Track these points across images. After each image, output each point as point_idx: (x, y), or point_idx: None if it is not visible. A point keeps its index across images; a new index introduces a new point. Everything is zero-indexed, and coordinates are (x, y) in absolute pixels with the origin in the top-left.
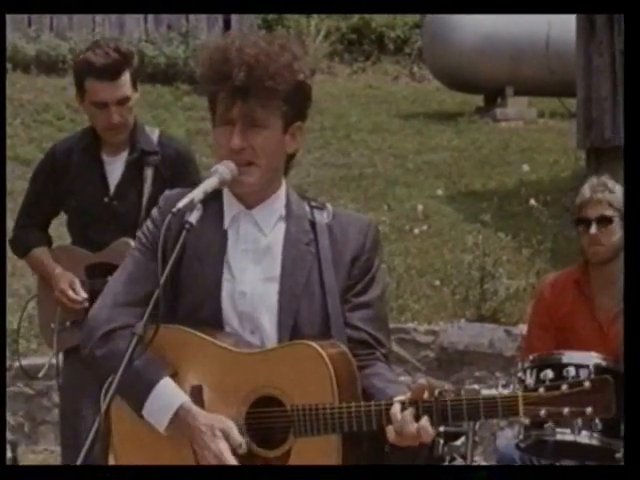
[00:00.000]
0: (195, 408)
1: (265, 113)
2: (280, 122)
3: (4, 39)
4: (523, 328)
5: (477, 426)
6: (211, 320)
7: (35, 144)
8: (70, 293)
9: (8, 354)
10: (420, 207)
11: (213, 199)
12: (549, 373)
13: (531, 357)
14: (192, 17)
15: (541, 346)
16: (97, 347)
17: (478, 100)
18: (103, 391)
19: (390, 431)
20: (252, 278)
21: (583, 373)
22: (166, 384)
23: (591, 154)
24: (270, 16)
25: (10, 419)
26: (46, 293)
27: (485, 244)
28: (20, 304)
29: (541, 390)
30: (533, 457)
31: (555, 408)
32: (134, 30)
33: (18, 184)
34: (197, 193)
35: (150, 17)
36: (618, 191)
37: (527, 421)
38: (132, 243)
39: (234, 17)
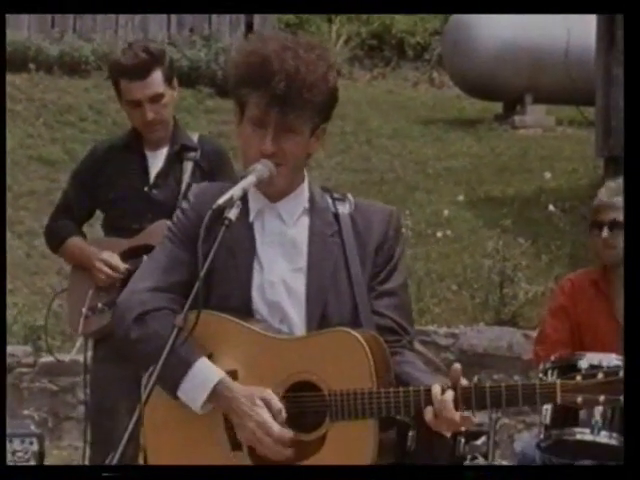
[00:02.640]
0: (232, 382)
1: (298, 120)
2: (309, 127)
3: (4, 39)
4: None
5: (497, 426)
6: (241, 309)
7: (58, 145)
8: (112, 261)
9: (31, 350)
10: (446, 212)
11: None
12: (584, 363)
13: (552, 358)
14: (214, 20)
15: (555, 336)
16: (131, 330)
17: (497, 107)
18: (144, 381)
19: (428, 412)
20: (280, 269)
21: (584, 365)
22: (203, 362)
23: (609, 163)
24: (291, 21)
25: (35, 415)
26: (79, 280)
27: (505, 249)
28: (45, 302)
29: (578, 378)
30: (553, 457)
31: (591, 395)
32: (157, 33)
33: (41, 184)
34: (236, 190)
35: (173, 20)
36: None
37: (548, 421)
38: (169, 224)
39: (256, 21)
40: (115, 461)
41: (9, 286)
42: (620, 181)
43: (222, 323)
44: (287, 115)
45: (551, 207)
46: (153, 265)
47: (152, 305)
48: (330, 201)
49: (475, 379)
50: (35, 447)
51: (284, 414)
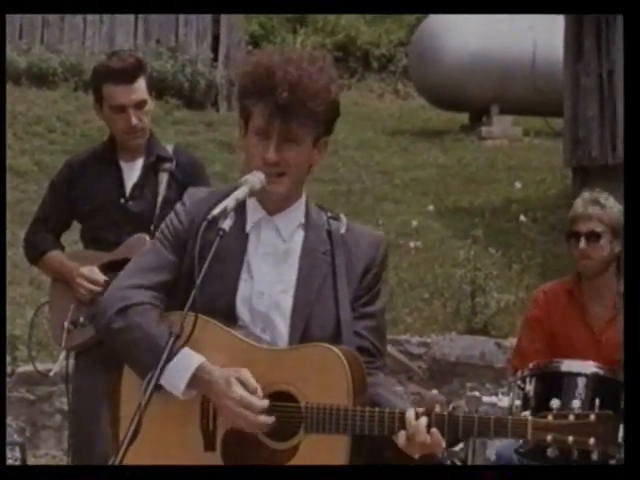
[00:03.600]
0: (211, 366)
1: (300, 130)
2: (312, 138)
3: (4, 39)
4: (513, 341)
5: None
6: (223, 315)
7: (27, 156)
8: (91, 275)
9: (8, 360)
10: (415, 222)
11: (237, 206)
12: (556, 402)
13: (530, 365)
14: (181, 32)
15: (531, 347)
16: (113, 321)
17: (463, 118)
18: (143, 385)
19: (401, 436)
20: (270, 280)
21: (581, 382)
22: (185, 350)
23: (578, 172)
24: (257, 32)
25: (12, 423)
26: (60, 293)
27: (476, 259)
28: (19, 312)
29: (550, 417)
30: (532, 462)
31: (561, 436)
32: (124, 44)
33: (11, 195)
34: (229, 201)
35: (140, 31)
36: (610, 207)
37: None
38: (147, 238)
39: (223, 32)
40: (117, 461)
41: None
42: (595, 193)
43: (208, 327)
44: (290, 125)
45: (522, 217)
46: (139, 264)
47: (134, 300)
48: (325, 219)
49: (450, 407)
50: (17, 455)
51: (260, 393)
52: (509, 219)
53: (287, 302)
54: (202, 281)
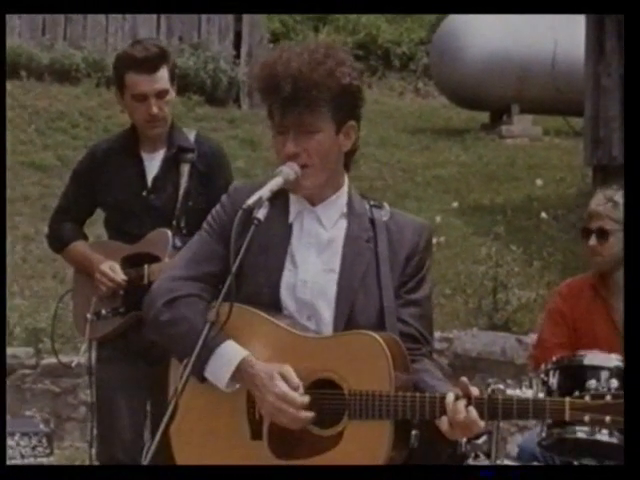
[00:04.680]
0: (255, 360)
1: (314, 119)
2: (332, 124)
3: (4, 39)
4: (534, 337)
5: (500, 424)
6: (269, 304)
7: (50, 151)
8: (110, 273)
9: (33, 352)
10: (438, 219)
11: (281, 196)
12: (593, 383)
13: (554, 359)
14: (204, 29)
15: (553, 340)
16: (161, 313)
17: (484, 117)
18: (180, 370)
19: (443, 422)
20: (314, 268)
21: (604, 375)
22: (228, 344)
23: (598, 172)
24: (278, 30)
25: (37, 415)
26: (83, 284)
27: (498, 256)
28: (44, 305)
29: (587, 398)
30: (555, 455)
31: (598, 415)
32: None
33: (34, 190)
34: (265, 192)
35: (162, 28)
36: (623, 204)
37: (550, 420)
38: (169, 233)
39: (245, 29)
40: (153, 449)
41: (9, 290)
42: (610, 190)
43: (250, 316)
44: (301, 116)
45: (543, 214)
46: (188, 255)
47: (182, 291)
48: (368, 207)
49: (489, 390)
50: (45, 444)
51: (302, 389)
52: (529, 217)
53: (331, 290)
54: (247, 271)
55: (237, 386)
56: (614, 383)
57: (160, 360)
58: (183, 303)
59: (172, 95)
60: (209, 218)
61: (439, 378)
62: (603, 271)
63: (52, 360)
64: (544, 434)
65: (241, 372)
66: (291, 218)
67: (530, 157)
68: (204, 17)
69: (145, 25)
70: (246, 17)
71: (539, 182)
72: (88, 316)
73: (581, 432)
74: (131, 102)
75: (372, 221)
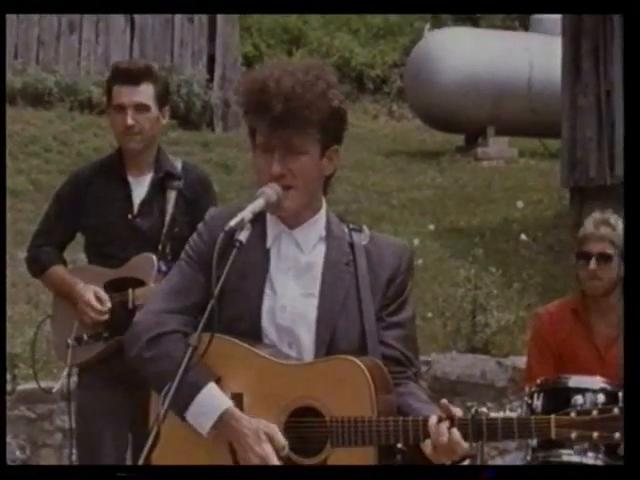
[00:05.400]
0: (239, 413)
1: (302, 140)
2: (317, 147)
3: (4, 39)
4: (514, 360)
5: (484, 448)
6: (250, 332)
7: (23, 175)
8: (95, 303)
9: (8, 378)
10: (415, 241)
11: (257, 219)
12: (579, 399)
13: (538, 381)
14: (176, 52)
15: (540, 370)
16: (145, 349)
17: (458, 139)
18: (161, 397)
19: (427, 445)
20: (293, 294)
21: (589, 398)
22: (211, 388)
23: (575, 193)
24: (251, 53)
25: (12, 441)
26: (63, 309)
27: (476, 278)
28: (16, 330)
29: (573, 414)
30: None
31: (585, 431)
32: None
33: (8, 215)
34: (246, 213)
35: (135, 51)
36: (620, 228)
37: (535, 443)
38: (154, 257)
39: (218, 53)
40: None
41: None
42: (606, 213)
43: (231, 347)
44: (290, 136)
45: (523, 236)
46: (168, 287)
47: (166, 327)
48: (347, 230)
49: (473, 411)
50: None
51: (287, 449)
52: (507, 239)
53: (311, 315)
54: (227, 298)
55: (217, 432)
56: (601, 398)
57: (142, 386)
58: (167, 340)
59: (157, 115)
60: (187, 247)
61: (424, 400)
62: (599, 295)
63: (28, 386)
64: (529, 457)
65: (224, 423)
66: (269, 243)
67: (506, 179)
68: (177, 40)
69: (117, 48)
70: (219, 40)
71: (520, 204)
72: (69, 341)
73: (566, 455)
74: (112, 114)
75: (351, 245)
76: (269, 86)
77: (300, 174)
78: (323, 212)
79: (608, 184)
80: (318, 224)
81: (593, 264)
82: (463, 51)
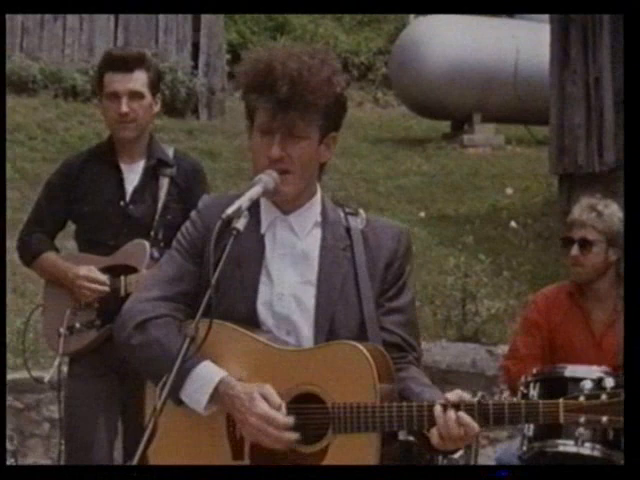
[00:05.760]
0: (233, 381)
1: (304, 125)
2: (318, 133)
3: (4, 39)
4: (504, 348)
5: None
6: (246, 321)
7: (9, 163)
8: (91, 274)
9: None
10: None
11: (252, 206)
12: (587, 383)
13: (534, 371)
14: (161, 40)
15: (525, 351)
16: (132, 336)
17: (444, 126)
18: (158, 388)
19: (434, 435)
20: (290, 281)
21: (587, 386)
22: (206, 365)
23: (564, 180)
24: (236, 41)
25: None
26: (55, 298)
27: (466, 266)
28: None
29: (581, 398)
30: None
31: (594, 416)
32: (103, 52)
33: None
34: (244, 201)
35: (120, 39)
36: (608, 214)
37: (530, 432)
38: (147, 244)
39: (203, 40)
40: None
41: None
42: (594, 199)
43: (228, 332)
44: (292, 119)
45: (513, 224)
46: (159, 275)
47: (154, 313)
48: (342, 215)
49: (479, 395)
50: (13, 462)
51: (284, 409)
52: (495, 226)
53: (310, 303)
54: (222, 287)
55: (215, 408)
56: (610, 382)
57: (133, 375)
58: (154, 325)
59: (151, 102)
60: (179, 236)
61: (425, 384)
62: (582, 281)
63: (15, 376)
64: (525, 448)
65: (220, 394)
66: (263, 229)
67: (493, 166)
68: (161, 28)
69: (102, 36)
70: (204, 28)
71: (509, 190)
72: (61, 330)
73: (563, 445)
74: (105, 102)
75: (348, 229)
76: (275, 67)
77: (299, 159)
78: (318, 197)
79: (597, 171)
80: (313, 209)
81: (575, 250)
82: (449, 38)
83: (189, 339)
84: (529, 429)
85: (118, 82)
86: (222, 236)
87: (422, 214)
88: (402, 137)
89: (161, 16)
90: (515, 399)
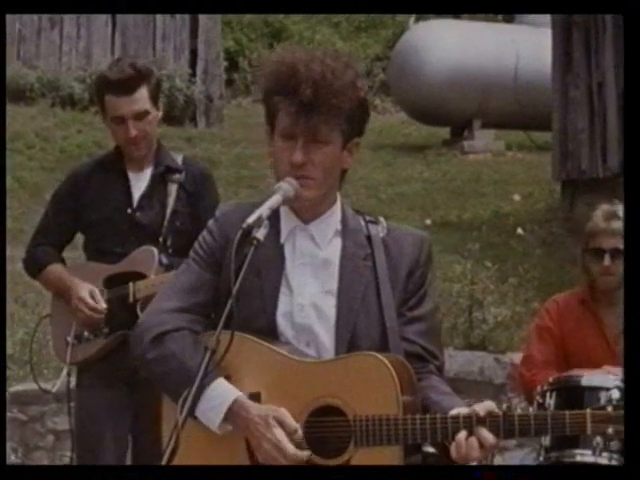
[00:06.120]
0: (248, 402)
1: (328, 130)
2: (341, 138)
3: (4, 39)
4: (512, 356)
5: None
6: (265, 332)
7: (7, 173)
8: (90, 300)
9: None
10: None
11: (271, 214)
12: (615, 393)
13: (550, 380)
14: (158, 47)
15: (540, 358)
16: (148, 350)
17: (444, 133)
18: (179, 403)
19: (454, 452)
20: (311, 291)
21: (604, 396)
22: (219, 383)
23: (567, 186)
24: (232, 48)
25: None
26: (62, 308)
27: (472, 273)
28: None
29: (609, 409)
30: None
31: (622, 426)
32: (101, 60)
33: None
34: (264, 210)
35: (117, 46)
36: None
37: (547, 442)
38: (155, 250)
39: (200, 48)
40: None
41: None
42: (615, 206)
43: (247, 344)
44: (316, 124)
45: (519, 230)
46: (176, 285)
47: (171, 325)
48: (363, 223)
49: (504, 407)
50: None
51: (300, 433)
52: (499, 233)
53: (330, 313)
54: (241, 297)
55: (230, 427)
56: (615, 395)
57: (143, 385)
58: (171, 338)
59: (156, 114)
60: (196, 245)
61: (444, 392)
62: (612, 289)
63: (19, 387)
64: (542, 458)
65: (234, 414)
66: (282, 238)
67: (495, 172)
68: (159, 35)
69: (99, 44)
70: (201, 35)
71: (517, 197)
72: (69, 339)
73: (580, 455)
74: (111, 124)
75: (368, 238)
76: (298, 70)
77: (321, 165)
78: (338, 205)
79: (600, 176)
80: (334, 217)
81: (607, 260)
82: (449, 43)
83: (210, 352)
84: (546, 438)
85: (121, 106)
86: (241, 245)
87: (428, 221)
88: (402, 144)
89: (159, 23)
90: (534, 410)
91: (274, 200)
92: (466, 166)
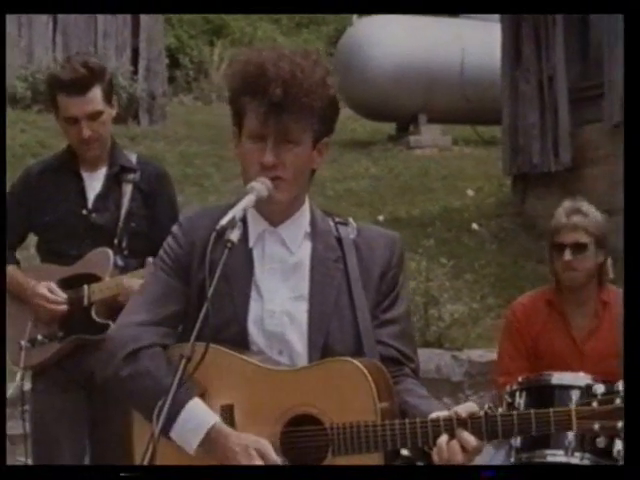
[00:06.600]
0: (227, 429)
1: (298, 129)
2: (311, 138)
3: (4, 39)
4: (469, 353)
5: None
6: (237, 340)
7: None
8: (49, 295)
9: None
10: None
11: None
12: (600, 388)
13: (520, 379)
14: (100, 45)
15: (512, 364)
16: (121, 368)
17: (389, 128)
18: (154, 415)
19: (436, 455)
20: (281, 297)
21: (575, 394)
22: (196, 404)
23: (518, 180)
24: (173, 45)
25: None
26: (16, 310)
27: (428, 270)
28: None
29: (594, 404)
30: None
31: (609, 422)
32: (42, 57)
33: None
34: (237, 211)
35: (59, 45)
36: (592, 215)
37: (518, 443)
38: (110, 252)
39: (142, 45)
40: None
41: None
42: (578, 201)
43: (218, 355)
44: (286, 124)
45: (475, 225)
46: (145, 297)
47: (144, 342)
48: (333, 225)
49: (485, 407)
50: None
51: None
52: (450, 228)
53: (302, 318)
54: (211, 303)
55: (204, 451)
56: (600, 389)
57: (101, 390)
58: (145, 355)
59: (109, 113)
60: (161, 253)
61: (422, 395)
62: (576, 286)
63: None
64: (512, 459)
65: (211, 441)
66: (251, 242)
67: (443, 167)
68: (100, 33)
69: (41, 42)
70: (143, 33)
71: (470, 192)
72: (22, 343)
73: (552, 456)
74: (63, 124)
75: (339, 240)
76: (267, 69)
77: (292, 165)
78: (307, 206)
79: (552, 171)
80: (303, 219)
81: (568, 255)
82: (393, 38)
83: (185, 360)
84: (516, 439)
85: (74, 106)
86: (214, 248)
87: (380, 217)
88: (347, 139)
89: (100, 21)
90: (503, 410)
91: (247, 201)
92: (413, 161)
